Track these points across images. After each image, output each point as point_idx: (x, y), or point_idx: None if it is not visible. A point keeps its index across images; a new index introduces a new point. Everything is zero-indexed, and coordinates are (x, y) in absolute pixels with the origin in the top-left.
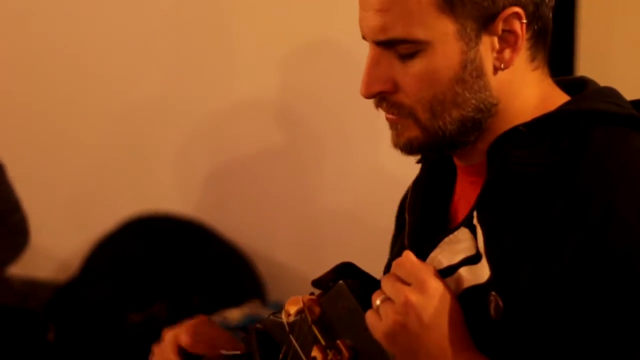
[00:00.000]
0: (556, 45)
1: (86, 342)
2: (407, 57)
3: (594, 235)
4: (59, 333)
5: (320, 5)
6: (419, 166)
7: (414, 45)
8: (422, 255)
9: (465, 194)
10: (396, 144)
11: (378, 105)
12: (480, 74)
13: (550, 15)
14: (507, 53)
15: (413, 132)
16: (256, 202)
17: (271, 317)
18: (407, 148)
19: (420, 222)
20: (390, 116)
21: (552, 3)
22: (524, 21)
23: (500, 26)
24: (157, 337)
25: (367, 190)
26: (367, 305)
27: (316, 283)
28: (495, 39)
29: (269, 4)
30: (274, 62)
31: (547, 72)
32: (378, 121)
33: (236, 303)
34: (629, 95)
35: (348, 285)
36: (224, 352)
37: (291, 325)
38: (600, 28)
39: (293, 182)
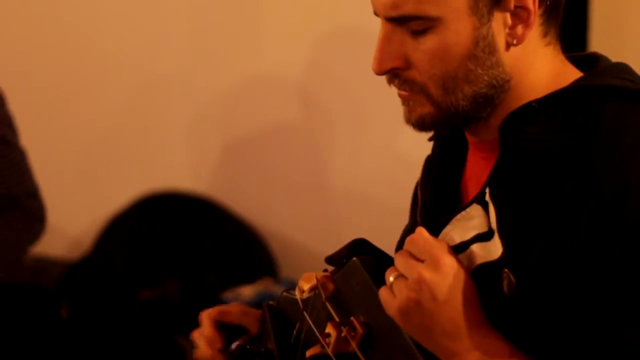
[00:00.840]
0: (569, 21)
1: (98, 319)
2: (418, 33)
3: (609, 212)
4: (71, 310)
5: None
6: (431, 145)
7: (425, 21)
8: (435, 232)
9: (477, 170)
10: (408, 120)
11: (390, 81)
12: (492, 50)
13: None
14: (519, 29)
15: (425, 109)
16: (269, 180)
17: (284, 294)
18: (419, 124)
19: (432, 199)
20: (403, 92)
21: None
22: None
23: (512, 2)
24: (168, 314)
25: (379, 168)
26: (381, 282)
27: (330, 260)
28: (508, 15)
29: None
30: (288, 40)
31: (559, 48)
32: (392, 101)
33: (248, 280)
34: None
35: (362, 261)
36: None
37: (305, 301)
38: (613, 4)
39: (306, 160)
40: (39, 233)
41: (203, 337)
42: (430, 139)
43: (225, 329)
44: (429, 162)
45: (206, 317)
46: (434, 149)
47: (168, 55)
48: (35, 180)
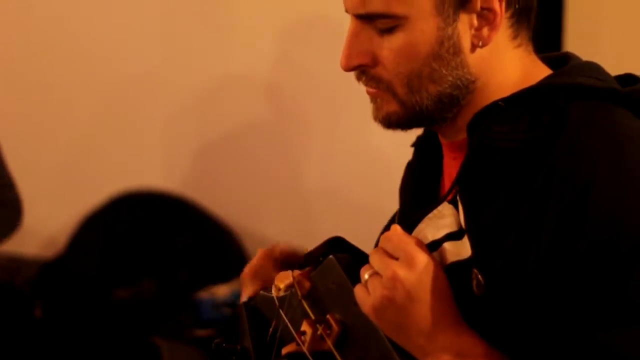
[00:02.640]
0: (545, 22)
1: (73, 318)
2: (385, 31)
3: (573, 210)
4: (45, 309)
5: None
6: (405, 144)
7: (392, 20)
8: (409, 229)
9: (450, 170)
10: (376, 117)
11: (358, 78)
12: (457, 50)
13: None
14: (485, 31)
15: (392, 107)
16: (243, 178)
17: (261, 292)
18: (386, 122)
19: (410, 200)
20: (370, 89)
21: None
22: None
23: (478, 4)
24: (143, 313)
25: (354, 167)
26: (357, 279)
27: (306, 257)
28: (474, 17)
29: None
30: (261, 38)
31: (530, 49)
32: (366, 99)
33: (223, 279)
34: (617, 71)
35: (338, 259)
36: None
37: (281, 299)
38: (589, 6)
39: (280, 158)
40: (16, 225)
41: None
42: (412, 145)
43: None
44: (410, 165)
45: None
46: (415, 151)
47: (142, 54)
48: (9, 172)
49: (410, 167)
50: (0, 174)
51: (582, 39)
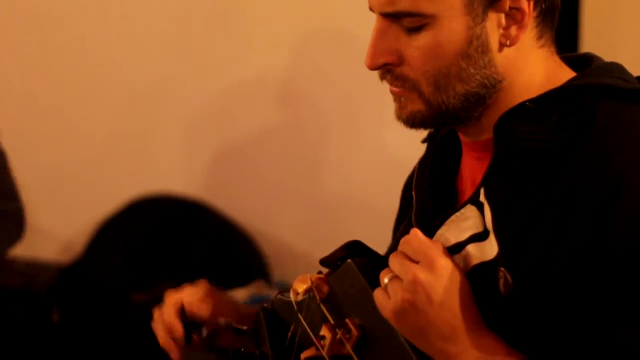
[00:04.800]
0: (561, 22)
1: (90, 323)
2: (413, 30)
3: (604, 208)
4: (63, 314)
5: None
6: (423, 147)
7: (420, 18)
8: (429, 233)
9: (472, 170)
10: (399, 117)
11: (382, 77)
12: (485, 50)
13: None
14: (513, 30)
15: (416, 106)
16: (260, 182)
17: (279, 296)
18: (410, 121)
19: (427, 200)
20: (395, 88)
21: None
22: None
23: (507, 3)
24: None
25: (371, 170)
26: (376, 283)
27: (324, 261)
28: (502, 16)
29: None
30: (279, 42)
31: (554, 49)
32: (384, 102)
33: (240, 283)
34: (634, 70)
35: (356, 263)
36: (222, 320)
37: (299, 304)
38: (605, 6)
39: (297, 162)
40: (17, 238)
41: (162, 322)
42: (423, 141)
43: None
44: (423, 163)
45: (170, 302)
46: (428, 150)
47: (161, 59)
48: (15, 183)
49: (424, 165)
50: (3, 184)
51: (598, 39)
